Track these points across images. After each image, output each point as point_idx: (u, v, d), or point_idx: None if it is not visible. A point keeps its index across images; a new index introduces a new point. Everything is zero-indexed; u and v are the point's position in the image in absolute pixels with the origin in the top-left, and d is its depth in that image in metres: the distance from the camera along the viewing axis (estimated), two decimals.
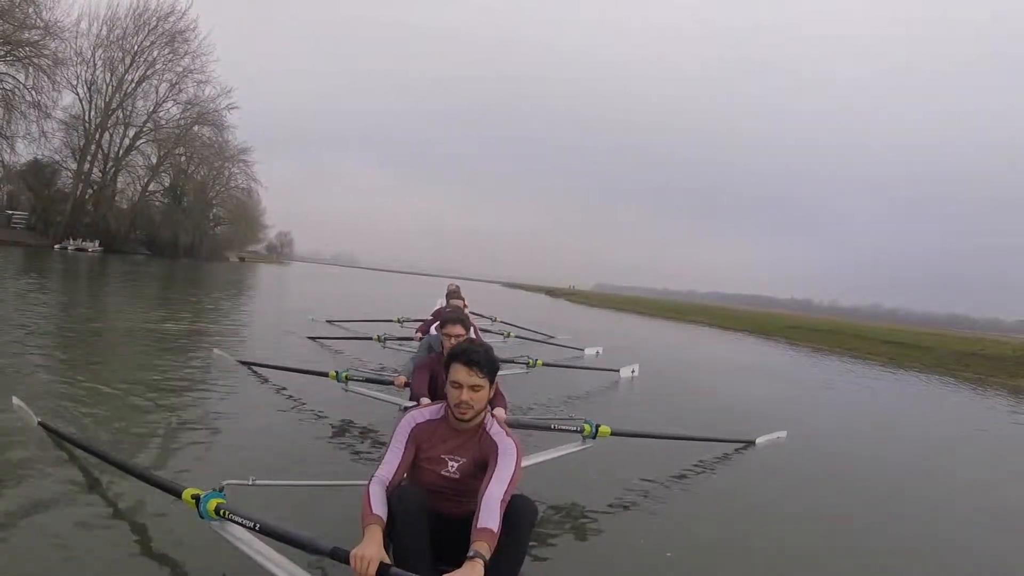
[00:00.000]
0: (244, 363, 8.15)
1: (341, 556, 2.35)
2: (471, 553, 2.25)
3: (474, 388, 2.64)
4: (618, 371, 10.65)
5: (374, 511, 2.45)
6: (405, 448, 2.70)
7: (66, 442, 4.43)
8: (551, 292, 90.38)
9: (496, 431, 2.72)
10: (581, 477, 4.95)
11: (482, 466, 2.64)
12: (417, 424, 2.75)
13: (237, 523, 2.78)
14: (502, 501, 2.47)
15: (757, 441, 6.80)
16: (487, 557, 2.26)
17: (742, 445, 6.68)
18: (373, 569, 2.23)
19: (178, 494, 3.07)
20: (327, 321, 14.35)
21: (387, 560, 2.29)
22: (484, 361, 2.66)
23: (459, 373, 2.64)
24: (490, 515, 2.39)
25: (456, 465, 2.69)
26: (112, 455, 3.97)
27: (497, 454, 2.63)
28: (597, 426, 4.90)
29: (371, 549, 2.27)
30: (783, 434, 7.14)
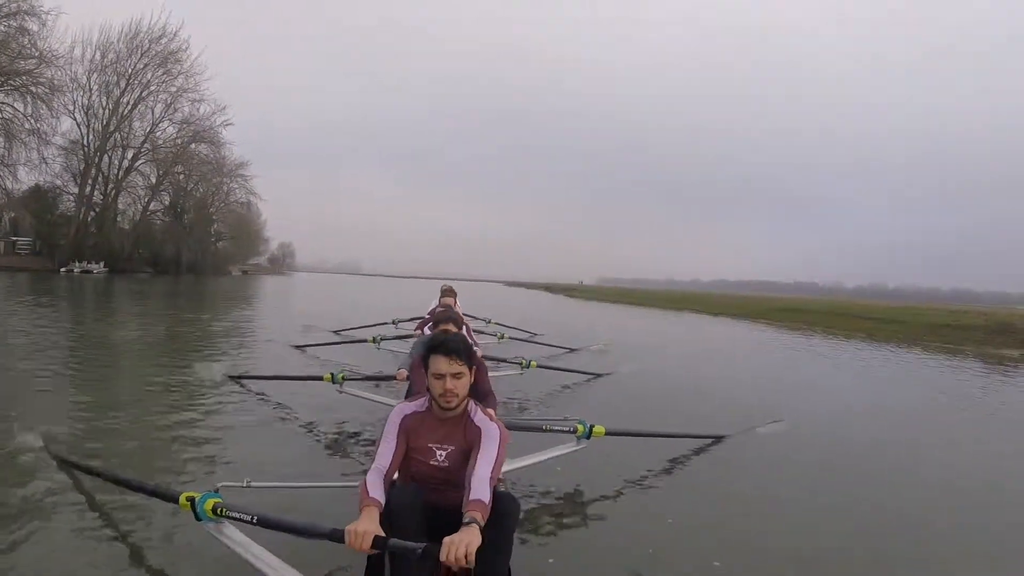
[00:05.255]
0: (238, 377, 8.09)
1: (338, 536, 2.43)
2: (467, 520, 2.35)
3: (456, 376, 2.72)
4: (612, 374, 10.32)
5: (371, 495, 2.55)
6: (398, 439, 2.78)
7: (68, 466, 4.44)
8: (549, 288, 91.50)
9: (480, 418, 2.81)
10: (576, 477, 4.94)
11: (470, 453, 2.73)
12: (406, 416, 2.83)
13: (235, 519, 2.81)
14: (490, 479, 2.58)
15: (758, 431, 6.71)
16: (482, 524, 2.36)
17: (741, 436, 6.53)
18: (368, 542, 2.33)
19: (174, 499, 3.07)
20: (322, 329, 14.49)
21: (382, 534, 2.38)
22: (461, 348, 2.75)
23: (439, 364, 2.72)
24: (481, 490, 2.51)
25: (444, 454, 2.77)
26: (108, 471, 4.05)
27: (481, 438, 2.72)
28: (591, 426, 4.82)
29: (365, 524, 2.38)
30: (781, 423, 6.97)
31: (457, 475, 2.72)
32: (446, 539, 2.25)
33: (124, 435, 5.58)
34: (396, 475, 2.82)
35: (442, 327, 4.64)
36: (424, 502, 2.68)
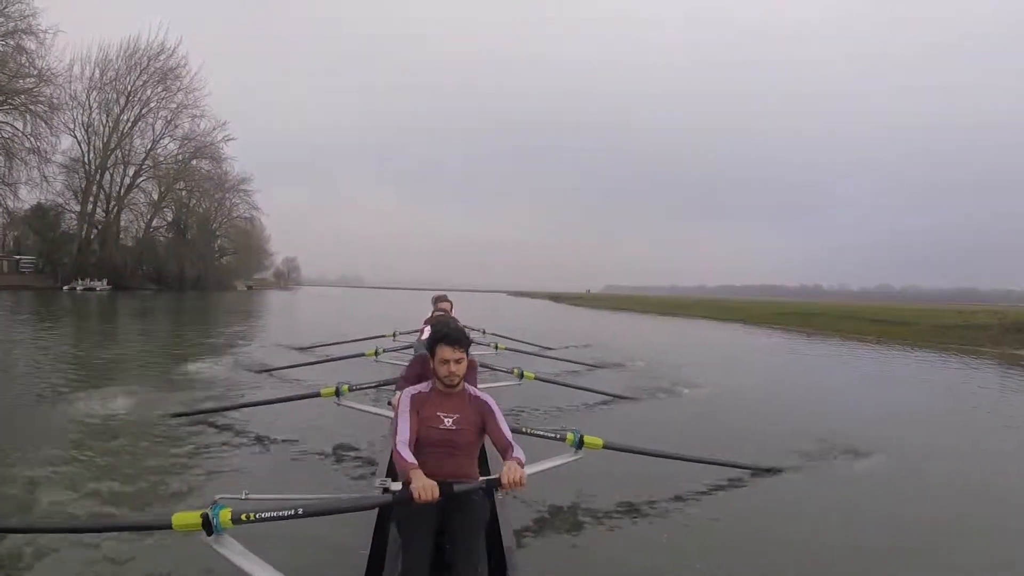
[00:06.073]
0: (230, 407, 7.59)
1: (404, 496, 2.76)
2: (510, 460, 3.04)
3: (457, 361, 3.26)
4: (617, 394, 9.54)
5: (409, 461, 2.94)
6: (411, 414, 3.21)
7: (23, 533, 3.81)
8: (555, 297, 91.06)
9: (475, 392, 3.39)
10: (568, 490, 4.84)
11: (474, 419, 3.27)
12: (414, 395, 3.31)
13: (270, 520, 2.73)
14: (513, 440, 3.24)
15: (817, 463, 6.04)
16: (522, 467, 3.02)
17: (763, 472, 5.78)
18: (436, 492, 2.76)
19: (164, 525, 2.80)
20: (319, 344, 14.23)
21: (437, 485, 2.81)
22: (462, 338, 3.33)
23: (445, 352, 3.25)
24: (519, 450, 3.16)
25: (452, 420, 3.22)
26: (78, 524, 3.76)
27: (491, 408, 3.31)
28: (581, 436, 4.61)
29: (424, 480, 2.80)
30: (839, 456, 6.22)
31: (463, 437, 3.22)
32: (503, 469, 2.96)
33: (94, 471, 5.18)
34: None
35: None
36: (434, 471, 2.97)
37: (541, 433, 4.68)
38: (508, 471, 2.92)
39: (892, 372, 15.67)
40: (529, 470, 4.32)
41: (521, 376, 8.25)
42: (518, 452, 3.14)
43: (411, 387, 3.40)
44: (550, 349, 15.02)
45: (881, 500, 5.29)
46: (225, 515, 2.71)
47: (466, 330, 3.55)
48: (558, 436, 4.64)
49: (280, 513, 2.72)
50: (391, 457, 3.16)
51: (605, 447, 4.71)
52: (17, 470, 5.08)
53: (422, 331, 9.30)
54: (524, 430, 4.59)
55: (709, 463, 5.64)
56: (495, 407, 3.34)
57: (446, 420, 3.22)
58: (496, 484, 2.91)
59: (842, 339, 25.20)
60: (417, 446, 3.14)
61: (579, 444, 4.59)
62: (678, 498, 5.08)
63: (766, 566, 4.02)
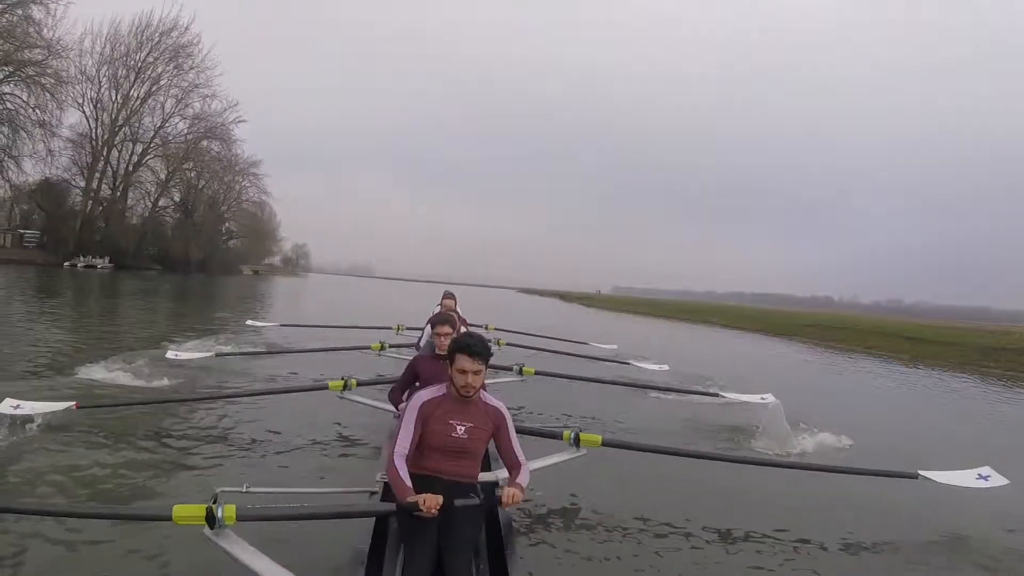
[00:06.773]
0: (229, 395, 7.36)
1: (411, 507, 2.85)
2: (512, 480, 3.17)
3: (476, 373, 3.17)
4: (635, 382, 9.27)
5: (408, 485, 2.99)
6: (415, 424, 3.16)
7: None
8: (564, 297, 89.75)
9: (490, 401, 3.34)
10: (568, 488, 4.86)
11: (486, 428, 3.26)
12: (424, 402, 3.21)
13: (274, 519, 2.91)
14: (524, 460, 3.32)
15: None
16: (522, 490, 3.12)
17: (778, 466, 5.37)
18: (438, 504, 2.83)
19: (167, 517, 2.80)
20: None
21: (441, 502, 2.88)
22: (482, 351, 3.22)
23: (464, 362, 3.15)
24: (524, 475, 3.22)
25: (464, 429, 3.19)
26: (77, 508, 3.72)
27: (505, 420, 3.32)
28: (578, 433, 4.51)
29: (426, 495, 2.86)
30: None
31: (473, 445, 3.23)
32: (504, 492, 3.03)
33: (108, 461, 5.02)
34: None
35: (439, 329, 4.80)
36: (438, 471, 3.15)
37: (538, 429, 4.74)
38: (507, 496, 3.02)
39: (959, 404, 14.08)
40: (529, 467, 4.23)
41: (523, 372, 8.12)
42: (523, 475, 3.22)
43: (423, 391, 3.36)
44: (557, 341, 14.44)
45: None
46: (230, 511, 2.71)
47: (471, 328, 3.32)
48: (555, 433, 4.61)
49: (292, 512, 2.90)
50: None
51: (604, 444, 4.60)
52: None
53: (424, 329, 8.85)
54: (523, 424, 4.63)
55: (721, 459, 5.37)
56: (508, 418, 3.34)
57: (459, 428, 3.20)
58: (496, 501, 3.02)
59: (878, 356, 23.68)
60: (425, 449, 3.18)
61: (576, 441, 4.50)
62: (683, 495, 5.03)
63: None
